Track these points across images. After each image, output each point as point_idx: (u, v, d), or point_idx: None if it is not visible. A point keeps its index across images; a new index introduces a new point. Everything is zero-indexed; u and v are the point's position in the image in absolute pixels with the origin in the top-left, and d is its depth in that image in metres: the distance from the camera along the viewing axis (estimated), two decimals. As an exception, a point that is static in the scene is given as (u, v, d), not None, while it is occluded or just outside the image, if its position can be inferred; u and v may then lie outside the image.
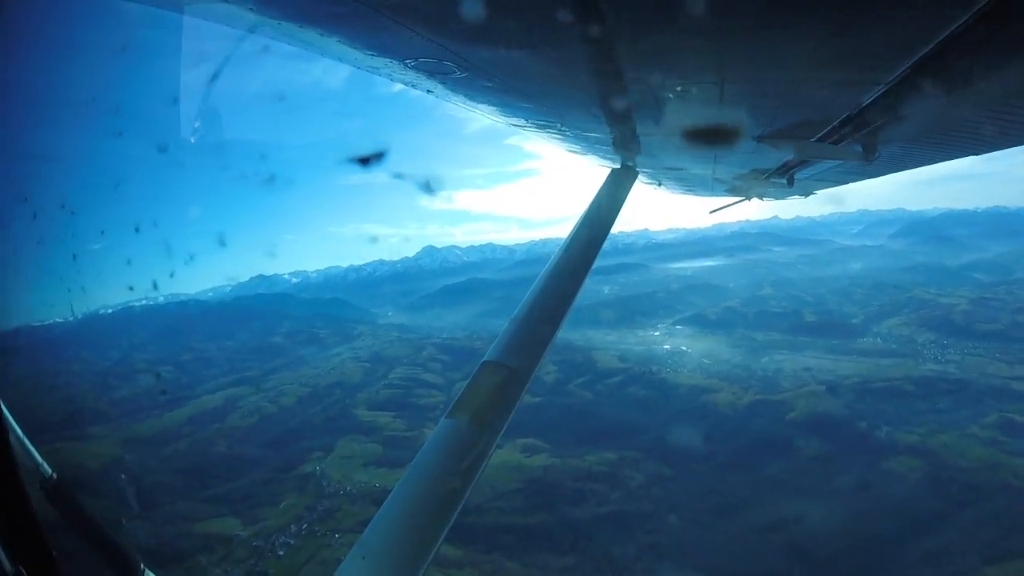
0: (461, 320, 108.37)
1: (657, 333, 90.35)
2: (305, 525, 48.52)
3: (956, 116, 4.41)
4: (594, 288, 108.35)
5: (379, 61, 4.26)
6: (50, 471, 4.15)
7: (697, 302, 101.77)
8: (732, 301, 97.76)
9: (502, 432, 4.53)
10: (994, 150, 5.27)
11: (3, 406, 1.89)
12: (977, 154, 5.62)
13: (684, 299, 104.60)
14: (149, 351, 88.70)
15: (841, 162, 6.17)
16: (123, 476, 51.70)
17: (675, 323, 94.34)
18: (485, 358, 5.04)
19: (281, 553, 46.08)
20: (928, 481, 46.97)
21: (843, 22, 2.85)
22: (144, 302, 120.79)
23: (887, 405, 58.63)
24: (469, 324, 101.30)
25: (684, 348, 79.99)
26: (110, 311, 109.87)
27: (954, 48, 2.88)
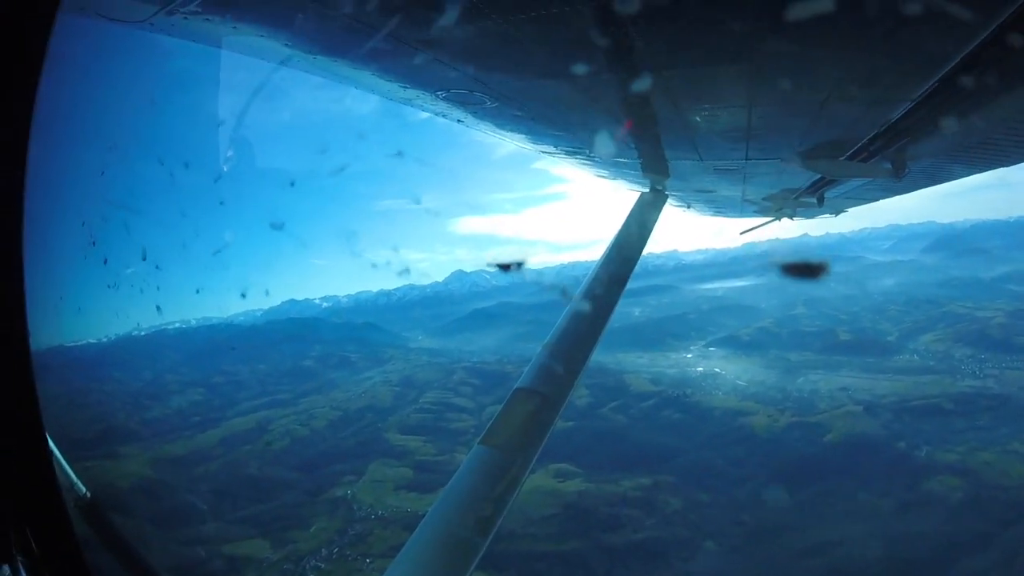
0: (491, 344, 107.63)
1: (689, 355, 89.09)
2: (336, 549, 48.25)
3: (985, 129, 4.37)
4: (625, 310, 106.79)
5: (412, 93, 4.36)
6: (84, 489, 4.23)
7: (729, 323, 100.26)
8: (765, 321, 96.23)
9: (535, 459, 4.52)
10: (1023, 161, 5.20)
11: (44, 425, 1.95)
12: (1008, 165, 5.54)
13: (716, 320, 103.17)
14: (181, 373, 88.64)
15: (871, 179, 6.12)
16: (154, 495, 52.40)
17: (707, 345, 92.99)
18: (518, 385, 5.04)
19: (311, 577, 46.01)
20: (970, 501, 45.54)
21: (870, 41, 2.86)
22: (177, 325, 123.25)
23: (925, 424, 57.05)
24: (499, 348, 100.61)
25: (717, 370, 78.80)
26: (143, 333, 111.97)
27: (980, 61, 2.87)
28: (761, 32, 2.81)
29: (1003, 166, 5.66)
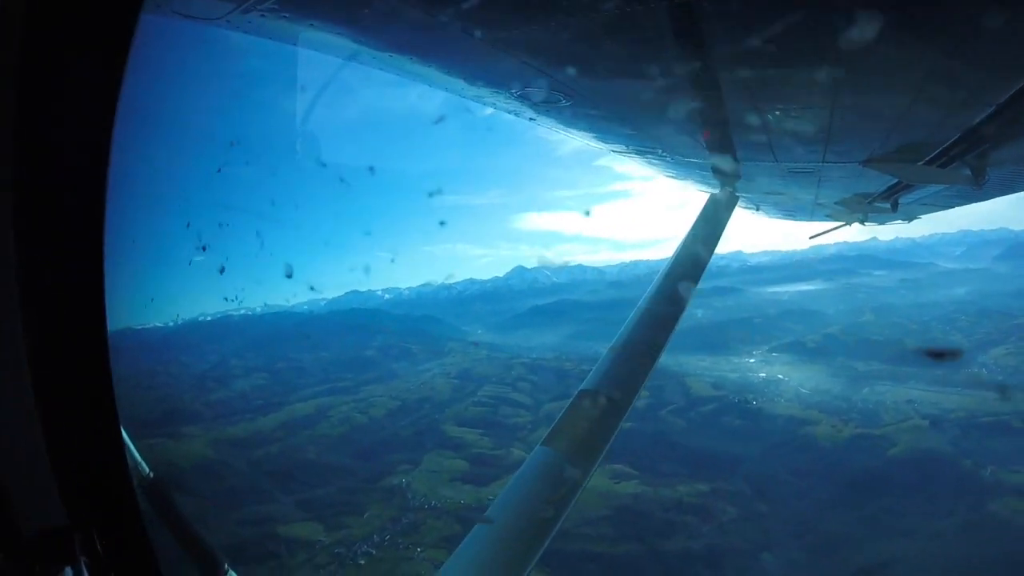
0: (550, 341, 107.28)
1: (752, 360, 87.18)
2: (388, 536, 48.95)
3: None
4: (688, 312, 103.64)
5: (485, 90, 4.38)
6: (147, 469, 4.38)
7: (794, 328, 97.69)
8: (831, 328, 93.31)
9: (598, 463, 4.49)
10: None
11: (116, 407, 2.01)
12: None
13: (781, 325, 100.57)
14: (246, 358, 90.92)
15: (949, 186, 5.89)
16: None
17: (771, 350, 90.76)
18: (583, 386, 5.02)
19: (362, 562, 46.67)
20: None
21: (954, 44, 2.76)
22: (243, 312, 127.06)
23: (993, 442, 54.68)
24: (558, 345, 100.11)
25: (780, 377, 77.07)
26: (209, 318, 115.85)
27: None
28: (846, 33, 2.73)
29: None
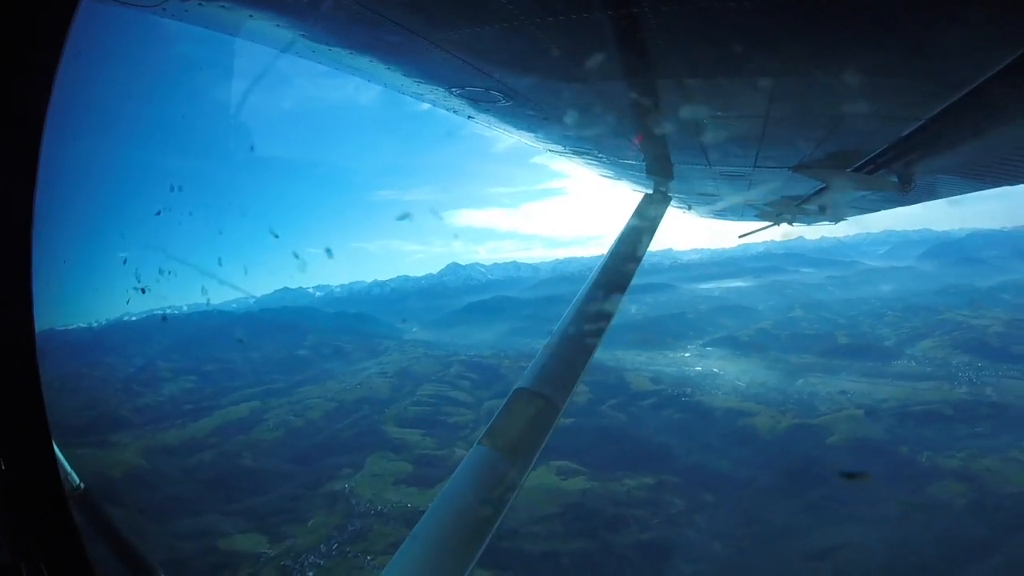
0: (488, 338, 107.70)
1: (688, 354, 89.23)
2: (336, 545, 47.98)
3: (993, 149, 4.38)
4: (622, 308, 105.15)
5: (425, 88, 4.37)
6: (78, 479, 4.23)
7: (727, 323, 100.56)
8: (763, 323, 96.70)
9: (535, 461, 4.52)
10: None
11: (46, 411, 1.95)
12: (1015, 184, 5.56)
13: (714, 320, 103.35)
14: (173, 360, 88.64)
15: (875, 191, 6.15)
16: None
17: (705, 344, 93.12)
18: (519, 385, 5.04)
19: (311, 574, 45.53)
20: (974, 507, 45.88)
21: (889, 59, 2.88)
22: (169, 311, 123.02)
23: (927, 429, 57.46)
24: (496, 342, 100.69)
25: (716, 370, 79.06)
26: (134, 318, 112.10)
27: (993, 86, 2.87)
28: (782, 43, 2.82)
29: (1010, 184, 5.69)
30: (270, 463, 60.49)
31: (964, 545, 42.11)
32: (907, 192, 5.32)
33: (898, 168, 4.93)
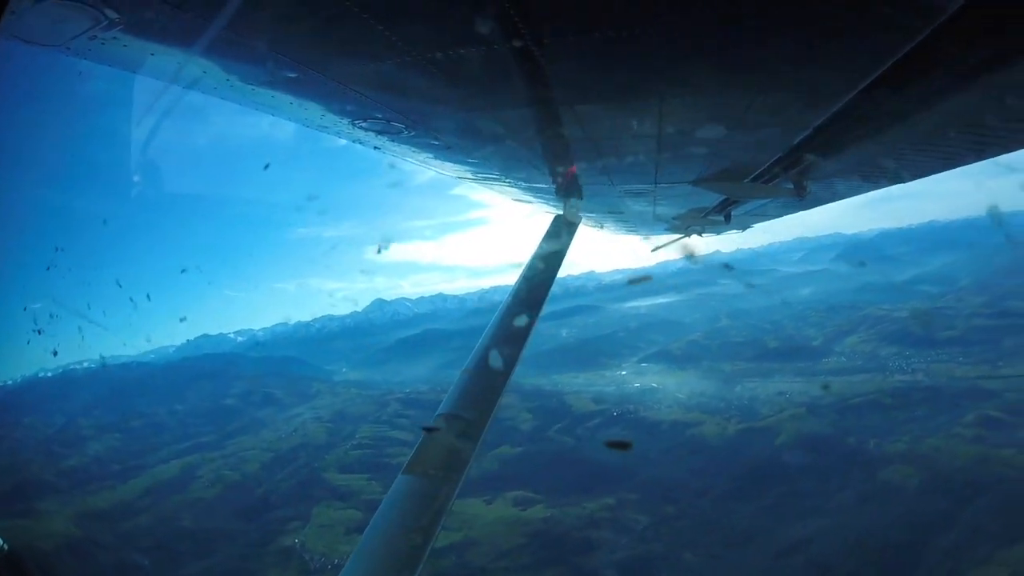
0: (421, 373, 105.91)
1: (624, 372, 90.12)
2: (298, 607, 45.21)
3: (879, 151, 4.71)
4: (551, 332, 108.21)
5: (329, 120, 4.41)
6: (1, 541, 4.02)
7: (658, 339, 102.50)
8: (692, 335, 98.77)
9: (461, 483, 4.53)
10: (916, 178, 5.61)
11: None
12: (902, 182, 5.96)
13: (645, 337, 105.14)
14: (95, 416, 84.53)
15: (775, 198, 6.49)
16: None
17: (640, 361, 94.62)
18: (439, 411, 5.08)
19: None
20: (927, 484, 47.41)
21: (771, 79, 3.08)
22: (85, 365, 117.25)
23: (869, 419, 59.22)
24: (430, 377, 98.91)
25: (655, 385, 79.81)
26: (50, 374, 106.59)
27: (874, 93, 3.12)
28: (667, 69, 2.99)
29: (900, 182, 6.07)
30: (212, 522, 57.40)
31: (925, 521, 43.56)
32: (803, 197, 5.62)
33: (793, 175, 5.21)
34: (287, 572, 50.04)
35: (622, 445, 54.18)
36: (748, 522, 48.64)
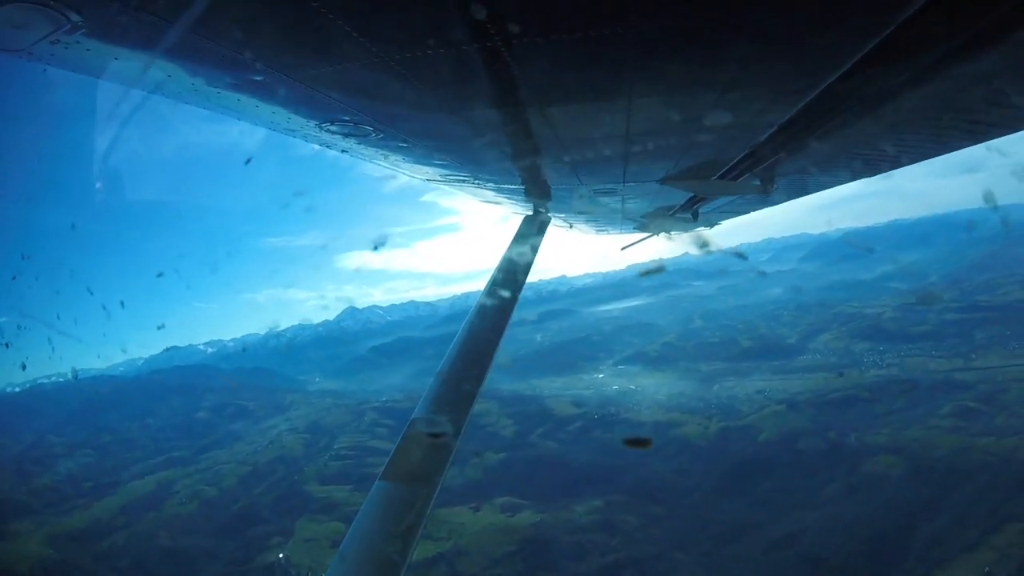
0: (397, 381, 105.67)
1: (602, 375, 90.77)
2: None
3: (843, 147, 4.80)
4: (526, 337, 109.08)
5: (296, 123, 4.38)
6: None
7: (633, 341, 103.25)
8: (668, 336, 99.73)
9: (439, 487, 4.52)
10: (880, 173, 5.73)
11: None
12: (867, 177, 6.08)
13: (620, 339, 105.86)
14: (66, 433, 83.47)
15: (742, 195, 6.58)
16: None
17: (616, 363, 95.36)
18: (414, 415, 5.07)
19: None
20: (910, 474, 48.34)
21: (736, 77, 3.13)
22: (54, 379, 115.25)
23: (848, 414, 60.24)
24: (405, 385, 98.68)
25: (633, 387, 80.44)
26: (17, 390, 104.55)
27: (837, 91, 3.19)
28: (633, 68, 3.02)
29: (862, 178, 6.19)
30: (190, 541, 56.27)
31: (910, 510, 44.46)
32: (769, 193, 5.71)
33: (760, 172, 5.28)
34: (273, 589, 48.71)
35: (641, 443, 54.21)
36: (736, 519, 49.17)
